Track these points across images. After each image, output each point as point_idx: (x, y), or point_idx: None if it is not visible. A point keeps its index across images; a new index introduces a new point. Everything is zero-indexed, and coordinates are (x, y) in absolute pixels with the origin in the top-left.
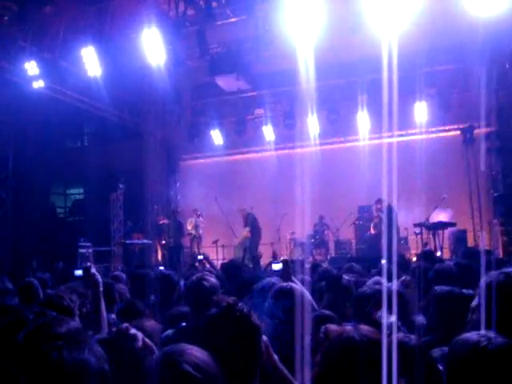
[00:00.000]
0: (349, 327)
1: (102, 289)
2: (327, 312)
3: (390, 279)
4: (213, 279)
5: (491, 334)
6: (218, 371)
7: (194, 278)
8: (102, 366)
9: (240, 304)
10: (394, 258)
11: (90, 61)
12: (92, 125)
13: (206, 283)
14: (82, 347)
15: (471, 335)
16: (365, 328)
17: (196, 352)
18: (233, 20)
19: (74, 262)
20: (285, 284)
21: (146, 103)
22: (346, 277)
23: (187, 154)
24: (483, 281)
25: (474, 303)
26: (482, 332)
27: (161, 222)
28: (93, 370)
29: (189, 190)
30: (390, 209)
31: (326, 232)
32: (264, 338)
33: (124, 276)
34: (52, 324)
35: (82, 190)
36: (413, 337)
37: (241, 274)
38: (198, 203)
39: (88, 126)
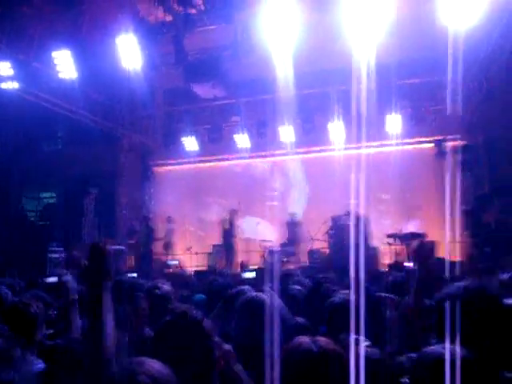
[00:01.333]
0: (306, 339)
1: (75, 297)
2: (301, 321)
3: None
4: (166, 287)
5: (456, 348)
6: None
7: (146, 286)
8: None
9: (194, 311)
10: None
11: (66, 64)
12: (66, 128)
13: (157, 291)
14: (9, 366)
15: (436, 348)
16: (323, 340)
17: (155, 364)
18: (211, 27)
19: (43, 267)
20: (257, 293)
21: (121, 108)
22: None
23: (162, 159)
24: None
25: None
26: (447, 345)
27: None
28: None
29: (162, 196)
30: (365, 221)
31: (297, 229)
32: (226, 346)
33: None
34: None
35: (54, 194)
36: (375, 350)
37: (214, 282)
38: (172, 210)
39: (62, 129)
